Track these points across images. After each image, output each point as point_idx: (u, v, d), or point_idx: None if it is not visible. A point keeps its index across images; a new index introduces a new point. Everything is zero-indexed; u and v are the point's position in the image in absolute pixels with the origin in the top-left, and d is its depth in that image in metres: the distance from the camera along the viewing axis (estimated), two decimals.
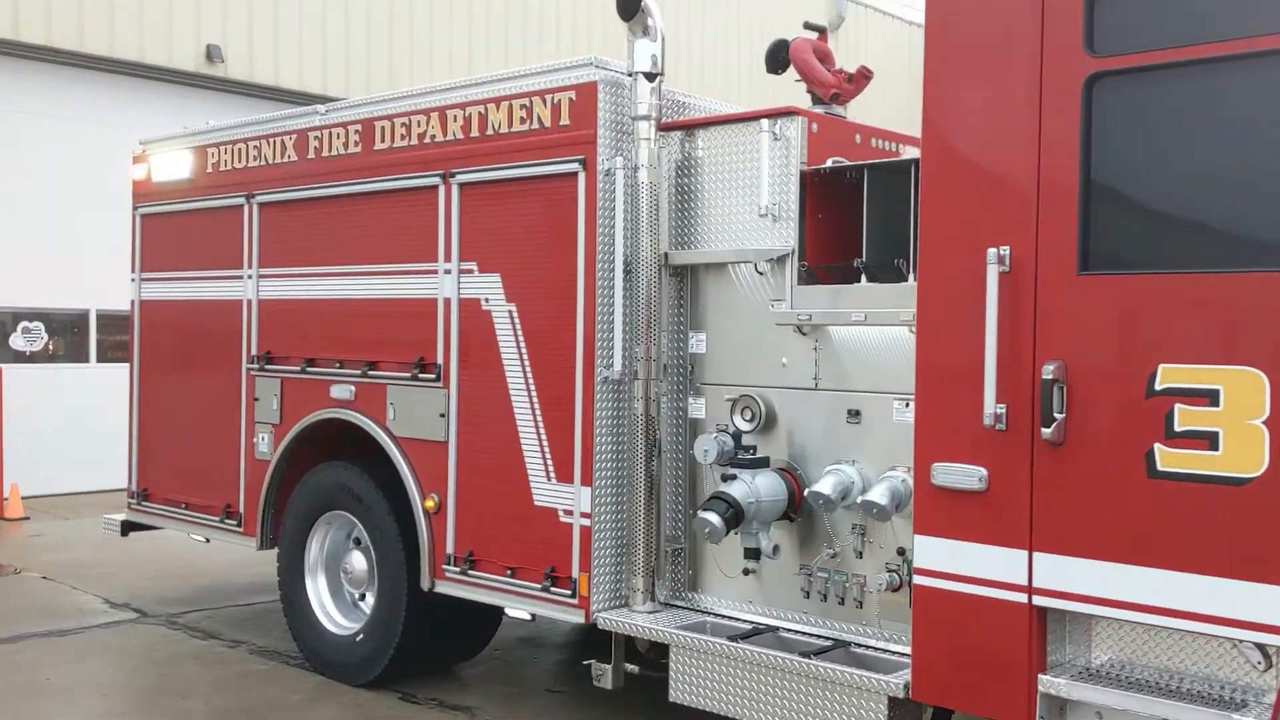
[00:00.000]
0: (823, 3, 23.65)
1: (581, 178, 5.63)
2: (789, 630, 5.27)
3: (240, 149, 7.50)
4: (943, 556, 4.36)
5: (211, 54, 14.77)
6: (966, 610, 4.30)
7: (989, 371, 4.15)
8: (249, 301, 7.43)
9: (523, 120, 5.90)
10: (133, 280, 8.44)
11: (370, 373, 6.61)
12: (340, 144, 6.83)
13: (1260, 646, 3.81)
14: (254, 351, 7.37)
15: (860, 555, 5.08)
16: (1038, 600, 4.16)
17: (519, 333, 5.94)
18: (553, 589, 5.73)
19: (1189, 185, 3.96)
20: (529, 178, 5.87)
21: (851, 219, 5.38)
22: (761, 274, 5.38)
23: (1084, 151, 4.05)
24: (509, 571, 5.95)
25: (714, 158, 5.56)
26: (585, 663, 5.72)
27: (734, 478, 5.15)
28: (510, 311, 5.97)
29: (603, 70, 5.67)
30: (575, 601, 5.64)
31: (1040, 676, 4.15)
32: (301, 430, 7.02)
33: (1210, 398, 3.78)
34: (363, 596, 7.01)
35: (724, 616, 5.50)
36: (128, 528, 8.45)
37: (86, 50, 13.88)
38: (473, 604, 6.30)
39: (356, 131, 6.74)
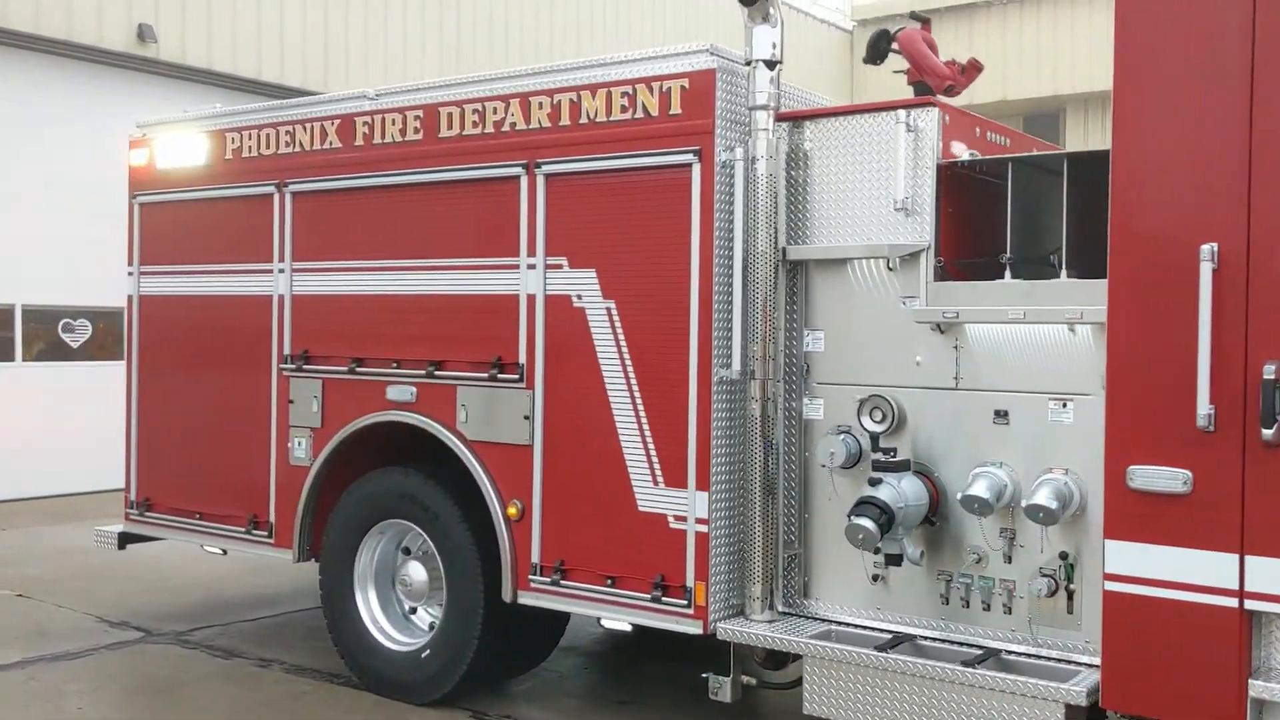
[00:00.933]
0: None
1: (696, 169, 5.38)
2: (926, 638, 5.12)
3: (269, 134, 7.02)
4: (1140, 561, 4.26)
5: (143, 33, 13.96)
6: (1168, 616, 4.21)
7: (1202, 372, 4.06)
8: (280, 297, 6.95)
9: (624, 109, 5.62)
10: (130, 274, 7.85)
11: (437, 373, 6.23)
12: (396, 130, 6.43)
13: None
14: (287, 351, 6.90)
15: (1009, 560, 4.95)
16: (1250, 604, 4.09)
17: (619, 331, 5.65)
18: (664, 599, 5.47)
19: None
20: (631, 169, 5.60)
21: (981, 213, 5.28)
22: (892, 270, 5.22)
23: None
24: (608, 581, 5.67)
25: (837, 149, 5.37)
26: (703, 675, 5.48)
27: (879, 481, 4.98)
28: (608, 309, 5.68)
29: (718, 57, 5.43)
30: (691, 611, 5.40)
31: (1250, 681, 4.09)
32: (350, 435, 6.59)
33: None
34: (414, 610, 6.64)
35: (848, 625, 5.32)
36: (125, 540, 7.86)
37: (10, 26, 12.94)
38: (548, 615, 6.05)
39: (417, 118, 6.34)
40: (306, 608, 8.40)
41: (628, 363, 5.63)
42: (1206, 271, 4.07)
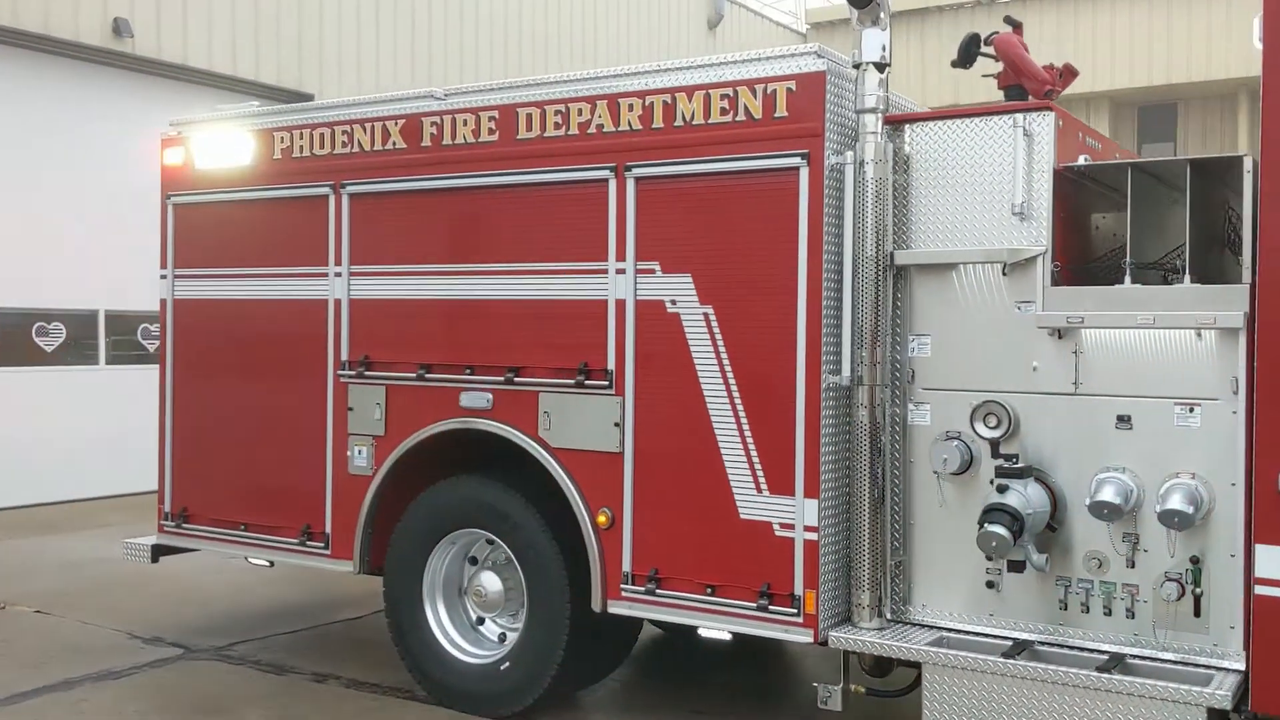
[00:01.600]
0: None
1: (804, 173, 5.32)
2: (1044, 644, 5.11)
3: (324, 134, 6.81)
4: None
5: (119, 28, 13.52)
6: None
7: None
8: (336, 302, 6.75)
9: (724, 111, 5.53)
10: (163, 277, 7.56)
11: (516, 379, 6.09)
12: (469, 131, 6.27)
13: None
14: (345, 357, 6.71)
15: (1132, 565, 4.96)
16: None
17: (717, 336, 5.57)
18: (771, 607, 5.40)
19: None
20: (732, 173, 5.51)
21: (1092, 218, 5.29)
22: (1006, 275, 5.20)
23: None
24: (708, 589, 5.58)
25: (944, 153, 5.33)
26: (814, 684, 5.42)
27: (1007, 488, 4.96)
28: (706, 314, 5.60)
29: (826, 59, 5.37)
30: (800, 620, 5.34)
31: None
32: (418, 443, 6.41)
33: None
34: (481, 621, 6.49)
35: (959, 631, 5.29)
36: (159, 552, 7.58)
37: None
38: (625, 624, 5.98)
39: (492, 118, 6.19)
40: (338, 619, 8.21)
41: (727, 368, 5.55)
42: None
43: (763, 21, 25.24)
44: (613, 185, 5.82)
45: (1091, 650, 5.00)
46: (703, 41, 23.32)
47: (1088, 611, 5.06)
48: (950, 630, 5.32)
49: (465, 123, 6.29)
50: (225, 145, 7.23)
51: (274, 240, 7.04)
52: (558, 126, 6.00)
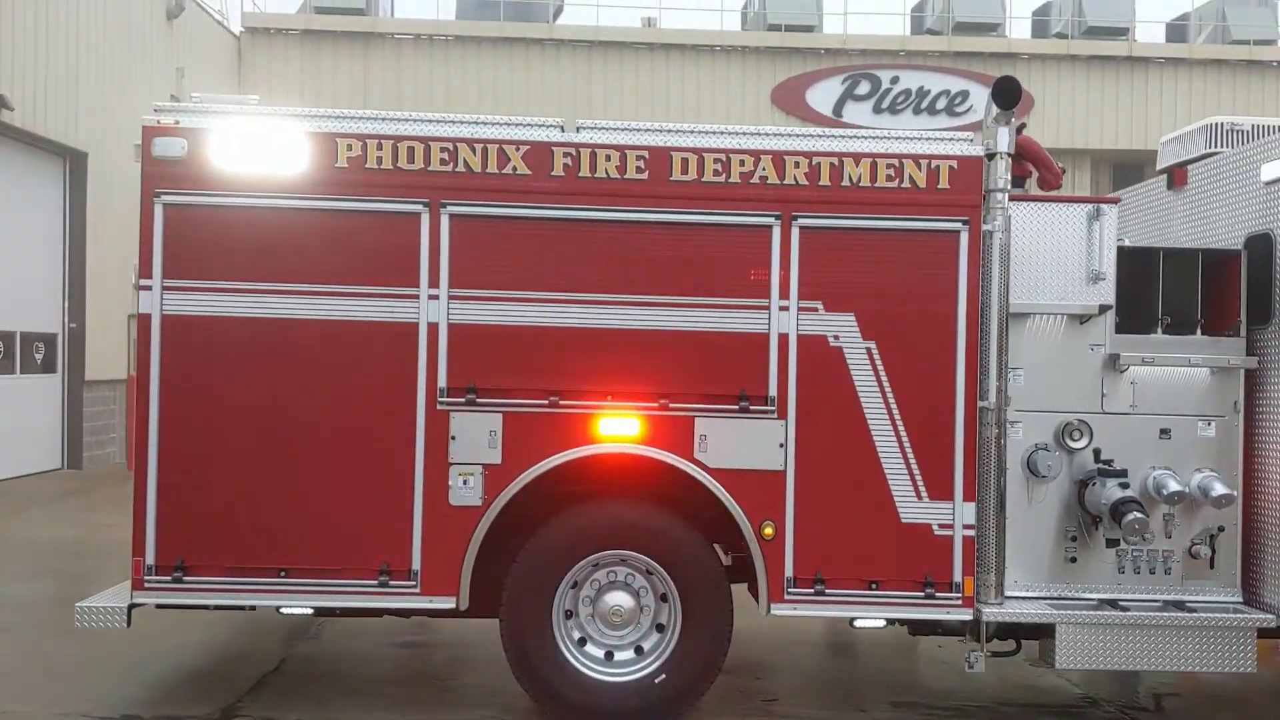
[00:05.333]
0: None
1: (964, 235, 6.55)
2: (1118, 600, 6.83)
3: (413, 148, 6.45)
4: None
5: None
6: None
7: None
8: (432, 325, 6.44)
9: (890, 178, 6.54)
10: (144, 288, 6.41)
11: (671, 405, 6.47)
12: (612, 167, 6.48)
13: None
14: (445, 383, 6.44)
15: (1169, 535, 6.89)
16: None
17: (879, 367, 6.55)
18: (936, 595, 6.52)
19: None
20: (896, 230, 6.55)
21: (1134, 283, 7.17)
22: (1082, 324, 6.88)
23: None
24: (871, 585, 6.53)
25: (1032, 228, 6.85)
26: (969, 654, 6.60)
27: (1127, 485, 6.65)
28: (869, 349, 6.55)
29: (978, 147, 6.64)
30: (960, 602, 6.54)
31: None
32: (550, 469, 6.44)
33: None
34: (582, 641, 6.65)
35: (1055, 598, 6.83)
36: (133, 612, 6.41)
37: None
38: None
39: (641, 158, 6.49)
40: (286, 659, 7.45)
41: (889, 395, 6.55)
42: None
43: (202, 14, 23.96)
44: (777, 231, 6.51)
45: (1148, 600, 6.85)
46: (163, 30, 21.69)
47: (1139, 572, 6.91)
48: (1049, 598, 6.83)
49: (609, 158, 6.49)
50: (258, 144, 6.42)
51: (334, 256, 6.45)
52: (717, 174, 6.52)
